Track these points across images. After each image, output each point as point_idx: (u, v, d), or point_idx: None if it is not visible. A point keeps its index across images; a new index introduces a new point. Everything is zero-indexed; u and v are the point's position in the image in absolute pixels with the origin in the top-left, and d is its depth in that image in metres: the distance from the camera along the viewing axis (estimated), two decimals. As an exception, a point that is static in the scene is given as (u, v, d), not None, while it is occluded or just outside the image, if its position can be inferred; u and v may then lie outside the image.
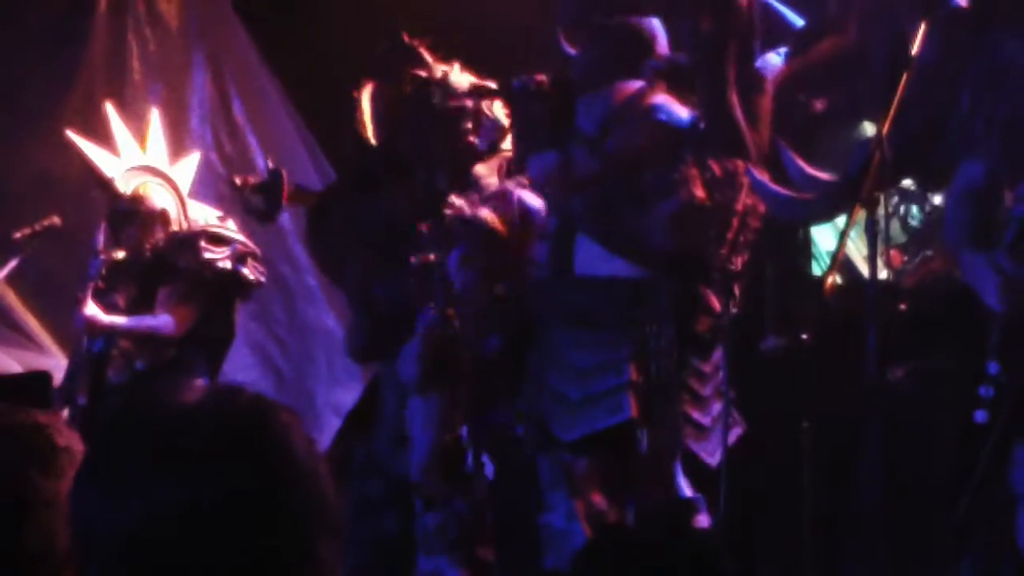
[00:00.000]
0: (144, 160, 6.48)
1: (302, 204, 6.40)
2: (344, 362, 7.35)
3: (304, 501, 1.58)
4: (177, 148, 7.00)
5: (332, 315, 7.77)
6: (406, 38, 6.08)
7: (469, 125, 5.92)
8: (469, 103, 5.93)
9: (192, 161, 6.77)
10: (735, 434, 5.18)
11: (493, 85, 5.90)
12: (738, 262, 5.23)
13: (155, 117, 6.77)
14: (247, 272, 6.25)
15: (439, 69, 6.00)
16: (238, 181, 6.37)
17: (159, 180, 6.45)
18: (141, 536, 1.54)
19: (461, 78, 5.99)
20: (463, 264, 5.44)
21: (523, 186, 5.55)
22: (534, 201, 5.48)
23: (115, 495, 1.57)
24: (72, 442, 2.09)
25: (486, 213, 5.48)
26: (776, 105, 5.35)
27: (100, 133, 6.54)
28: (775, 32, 5.50)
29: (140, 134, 6.60)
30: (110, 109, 6.58)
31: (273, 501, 1.57)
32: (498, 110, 5.91)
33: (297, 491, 1.58)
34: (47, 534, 1.98)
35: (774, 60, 5.36)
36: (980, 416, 4.14)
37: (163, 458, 1.57)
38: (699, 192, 5.09)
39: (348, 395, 7.41)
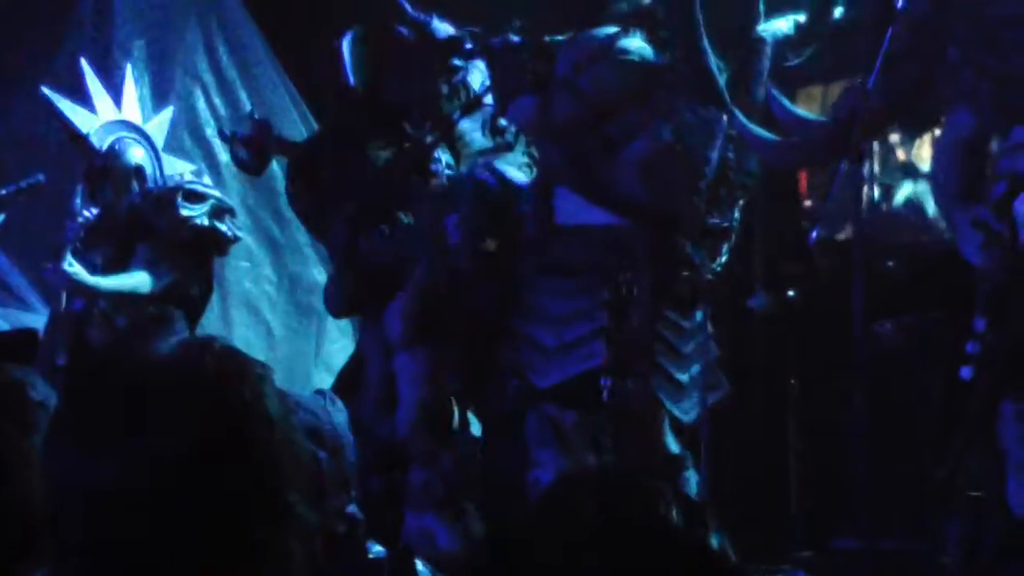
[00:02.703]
0: (119, 115, 6.45)
1: (287, 156, 6.40)
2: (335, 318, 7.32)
3: (275, 454, 1.56)
4: (161, 103, 6.98)
5: (321, 271, 7.74)
6: None
7: (457, 63, 5.90)
8: (454, 43, 5.90)
9: (167, 116, 6.74)
10: (717, 395, 5.15)
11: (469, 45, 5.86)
12: (722, 217, 5.20)
13: (129, 72, 6.74)
14: (224, 228, 6.23)
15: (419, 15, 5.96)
16: (225, 134, 6.39)
17: (134, 135, 6.42)
18: (114, 489, 1.53)
19: (441, 24, 5.96)
20: (462, 224, 5.41)
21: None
22: (515, 174, 5.49)
23: (88, 449, 1.56)
24: (48, 398, 2.07)
25: (481, 172, 5.46)
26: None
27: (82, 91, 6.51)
28: None
29: (117, 90, 6.56)
30: (86, 66, 6.54)
31: (243, 453, 1.55)
32: (481, 67, 5.87)
33: (268, 443, 1.56)
34: (23, 491, 1.97)
35: (779, 24, 5.33)
36: (965, 372, 4.13)
37: (134, 411, 1.56)
38: (668, 136, 5.08)
39: (340, 353, 7.40)
